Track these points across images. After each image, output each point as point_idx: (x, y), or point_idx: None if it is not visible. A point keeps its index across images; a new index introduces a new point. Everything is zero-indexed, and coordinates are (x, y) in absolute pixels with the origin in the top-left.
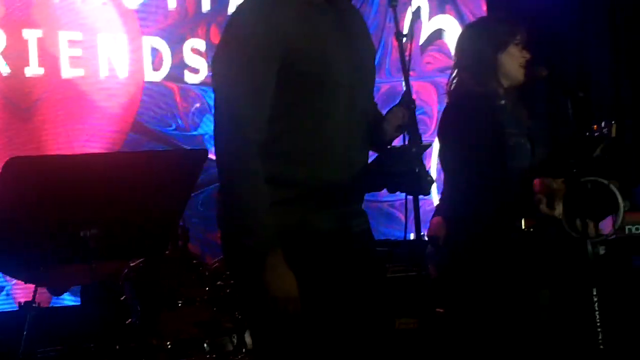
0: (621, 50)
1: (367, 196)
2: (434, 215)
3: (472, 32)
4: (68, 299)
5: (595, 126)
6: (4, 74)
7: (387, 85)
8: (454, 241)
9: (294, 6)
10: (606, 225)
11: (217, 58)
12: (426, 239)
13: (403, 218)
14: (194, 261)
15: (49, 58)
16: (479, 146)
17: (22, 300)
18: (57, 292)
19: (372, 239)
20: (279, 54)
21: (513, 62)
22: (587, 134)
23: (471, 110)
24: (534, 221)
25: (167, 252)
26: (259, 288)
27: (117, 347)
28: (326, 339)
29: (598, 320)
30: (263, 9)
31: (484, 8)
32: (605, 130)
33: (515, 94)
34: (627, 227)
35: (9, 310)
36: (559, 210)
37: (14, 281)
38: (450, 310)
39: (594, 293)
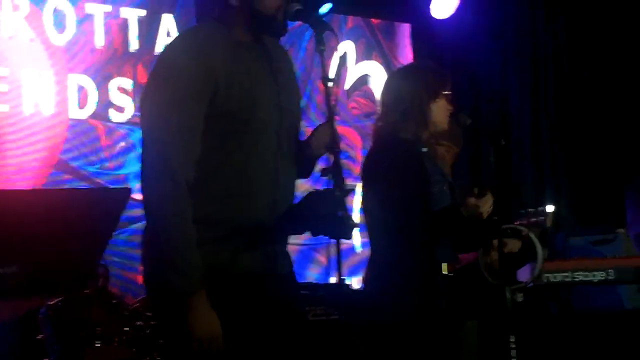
0: (542, 99)
1: (289, 238)
2: None
3: (405, 78)
4: None
5: (530, 211)
6: None
7: (312, 129)
8: (380, 286)
9: (223, 45)
10: (525, 273)
11: (147, 97)
12: (348, 282)
13: (325, 261)
14: (114, 301)
15: None
16: (406, 193)
17: None
18: None
19: (296, 281)
20: (209, 92)
21: (441, 112)
22: (524, 221)
23: (398, 156)
24: (455, 266)
25: (86, 291)
26: (183, 328)
27: None
28: None
29: None
30: (193, 48)
31: (411, 56)
32: (541, 219)
33: (437, 141)
34: (545, 275)
35: None
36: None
37: None
38: (376, 354)
39: (512, 340)
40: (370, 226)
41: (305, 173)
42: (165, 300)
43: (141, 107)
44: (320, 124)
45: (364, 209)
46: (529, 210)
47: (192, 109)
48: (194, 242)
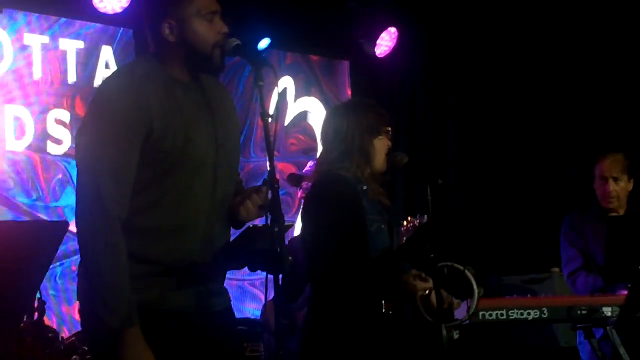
0: (477, 140)
1: (227, 274)
2: (270, 299)
3: (346, 115)
4: None
5: (409, 219)
6: None
7: (251, 165)
8: (316, 323)
9: (160, 83)
10: (460, 310)
11: (82, 131)
12: None
13: (263, 297)
14: (49, 334)
15: None
16: (344, 230)
17: None
18: None
19: (233, 317)
20: (144, 130)
21: (381, 149)
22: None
23: (338, 193)
24: (392, 304)
25: (21, 325)
26: None
27: None
28: None
29: None
30: (130, 84)
31: (349, 93)
32: (417, 221)
33: (376, 179)
34: (480, 313)
35: None
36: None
37: None
38: None
39: None
40: (308, 262)
41: (236, 227)
42: (100, 335)
43: (76, 142)
44: (253, 187)
45: (303, 245)
46: (409, 218)
47: (126, 145)
48: (126, 278)
